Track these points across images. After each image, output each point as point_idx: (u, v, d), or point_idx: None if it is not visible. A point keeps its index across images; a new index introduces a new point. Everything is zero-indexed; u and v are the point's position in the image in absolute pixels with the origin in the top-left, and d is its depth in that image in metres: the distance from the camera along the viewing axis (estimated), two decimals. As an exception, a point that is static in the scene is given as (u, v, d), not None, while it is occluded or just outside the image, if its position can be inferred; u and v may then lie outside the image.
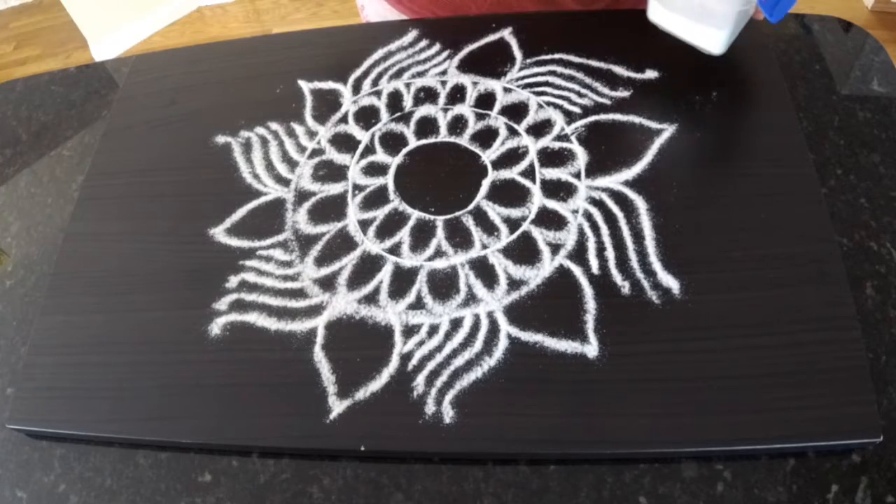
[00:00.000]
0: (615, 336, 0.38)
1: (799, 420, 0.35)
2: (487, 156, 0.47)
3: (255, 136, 0.51)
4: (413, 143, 0.49)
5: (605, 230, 0.42)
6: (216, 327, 0.42)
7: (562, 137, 0.47)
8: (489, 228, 0.44)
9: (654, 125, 0.47)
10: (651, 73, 0.49)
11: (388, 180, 0.47)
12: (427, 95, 0.51)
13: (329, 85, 0.53)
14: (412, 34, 0.55)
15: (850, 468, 0.35)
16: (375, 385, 0.38)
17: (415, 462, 0.37)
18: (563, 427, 0.36)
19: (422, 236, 0.44)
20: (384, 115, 0.51)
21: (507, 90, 0.51)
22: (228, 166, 0.50)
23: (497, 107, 0.50)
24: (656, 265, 0.40)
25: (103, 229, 0.48)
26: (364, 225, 0.45)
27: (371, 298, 0.42)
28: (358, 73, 0.54)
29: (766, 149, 0.45)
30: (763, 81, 0.48)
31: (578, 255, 0.42)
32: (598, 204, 0.44)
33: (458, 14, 0.59)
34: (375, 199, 0.46)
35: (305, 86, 0.54)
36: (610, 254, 0.41)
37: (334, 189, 0.47)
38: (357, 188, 0.47)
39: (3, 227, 0.52)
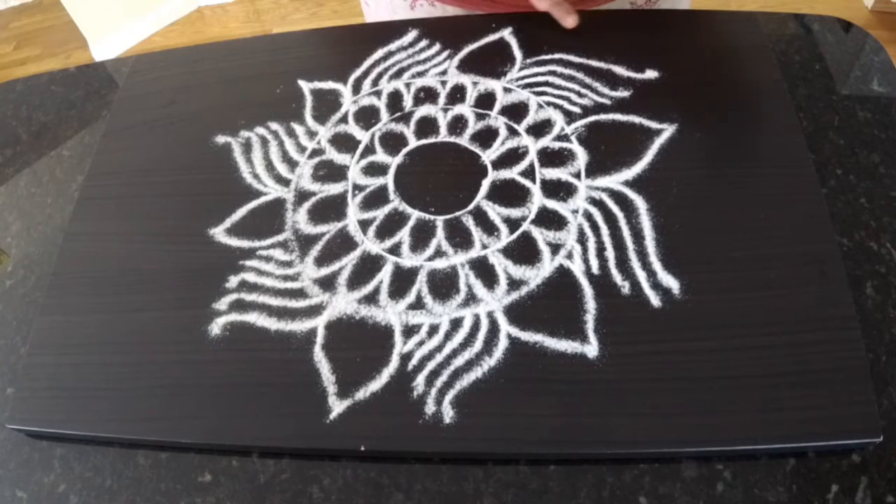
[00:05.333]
0: (615, 336, 0.38)
1: (799, 420, 0.35)
2: (487, 156, 0.47)
3: (255, 136, 0.51)
4: (413, 143, 0.49)
5: (605, 230, 0.42)
6: (216, 327, 0.42)
7: (562, 137, 0.47)
8: (489, 228, 0.44)
9: (654, 125, 0.47)
10: (651, 73, 0.49)
11: (388, 180, 0.47)
12: (427, 95, 0.51)
13: (329, 85, 0.53)
14: (412, 34, 0.55)
15: (850, 468, 0.35)
16: (375, 385, 0.38)
17: (415, 462, 0.37)
18: (563, 427, 0.36)
19: (422, 236, 0.44)
20: (384, 115, 0.51)
21: (507, 90, 0.51)
22: (228, 166, 0.50)
23: (497, 107, 0.50)
24: (656, 265, 0.40)
25: (103, 229, 0.48)
26: (364, 225, 0.45)
27: (371, 298, 0.42)
28: (358, 73, 0.54)
29: (766, 149, 0.45)
30: (763, 81, 0.48)
31: (578, 255, 0.42)
32: (598, 204, 0.44)
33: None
34: (375, 199, 0.46)
35: (305, 86, 0.54)
36: (610, 254, 0.41)
37: (334, 189, 0.47)
38: (357, 188, 0.47)
39: (3, 227, 0.52)
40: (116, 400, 0.40)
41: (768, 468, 0.35)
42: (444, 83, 0.52)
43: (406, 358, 0.39)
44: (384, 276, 0.43)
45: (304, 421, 0.38)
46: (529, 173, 0.46)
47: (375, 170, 0.48)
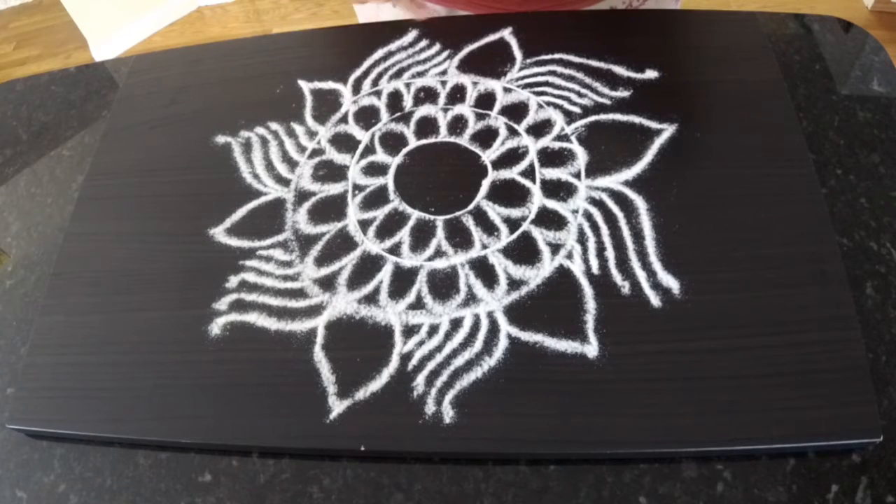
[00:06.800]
0: (615, 336, 0.38)
1: (799, 420, 0.35)
2: (487, 156, 0.47)
3: (255, 136, 0.51)
4: (413, 143, 0.49)
5: (605, 230, 0.42)
6: (216, 327, 0.42)
7: (562, 137, 0.47)
8: (489, 228, 0.44)
9: (654, 125, 0.47)
10: (651, 73, 0.49)
11: (388, 180, 0.47)
12: (427, 95, 0.51)
13: (329, 85, 0.53)
14: (412, 34, 0.55)
15: (850, 468, 0.35)
16: (375, 385, 0.38)
17: (415, 462, 0.37)
18: (563, 427, 0.36)
19: (422, 236, 0.44)
20: (384, 115, 0.51)
21: (507, 90, 0.51)
22: (228, 166, 0.50)
23: (497, 107, 0.50)
24: (656, 265, 0.40)
25: (103, 229, 0.48)
26: (364, 225, 0.45)
27: (371, 298, 0.42)
28: (358, 73, 0.54)
29: (766, 149, 0.45)
30: (763, 81, 0.48)
31: (578, 255, 0.42)
32: (598, 204, 0.44)
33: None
34: (375, 199, 0.46)
35: (305, 86, 0.54)
36: (610, 254, 0.41)
37: (334, 189, 0.47)
38: (357, 188, 0.47)
39: (3, 227, 0.52)
40: (116, 400, 0.40)
41: (768, 468, 0.35)
42: (444, 83, 0.52)
43: (406, 358, 0.39)
44: (384, 276, 0.43)
45: (304, 421, 0.38)
46: (529, 173, 0.46)
47: (375, 170, 0.48)
